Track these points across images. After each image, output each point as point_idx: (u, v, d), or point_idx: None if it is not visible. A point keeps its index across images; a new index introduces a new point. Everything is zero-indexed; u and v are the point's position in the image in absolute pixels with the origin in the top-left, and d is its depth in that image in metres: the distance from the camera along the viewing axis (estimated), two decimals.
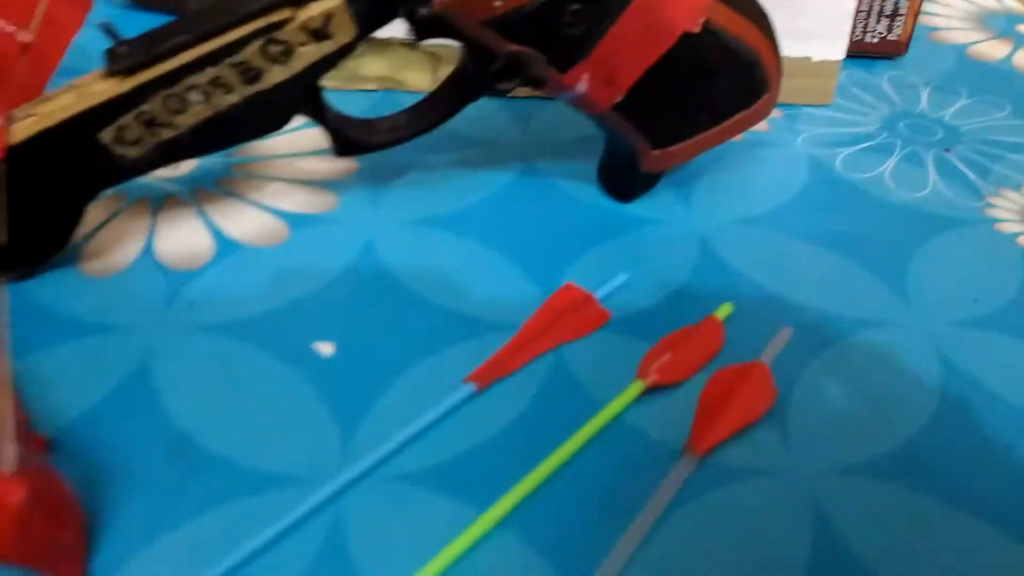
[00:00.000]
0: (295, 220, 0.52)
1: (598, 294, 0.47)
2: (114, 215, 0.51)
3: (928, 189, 0.56)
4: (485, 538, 0.35)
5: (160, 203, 0.53)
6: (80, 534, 0.34)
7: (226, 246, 0.50)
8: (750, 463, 0.38)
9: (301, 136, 0.59)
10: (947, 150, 0.58)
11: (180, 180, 0.55)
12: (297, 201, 0.53)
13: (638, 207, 0.54)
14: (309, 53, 0.42)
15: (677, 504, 0.37)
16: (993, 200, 0.56)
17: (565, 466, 0.38)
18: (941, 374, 0.43)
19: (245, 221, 0.52)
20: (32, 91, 0.51)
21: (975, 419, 0.41)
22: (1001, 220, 0.54)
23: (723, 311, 0.46)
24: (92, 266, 0.48)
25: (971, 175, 0.58)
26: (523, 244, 0.51)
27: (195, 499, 0.36)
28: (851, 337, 0.45)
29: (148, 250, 0.49)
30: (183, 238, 0.50)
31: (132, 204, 0.52)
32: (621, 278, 0.48)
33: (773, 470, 0.38)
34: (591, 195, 0.55)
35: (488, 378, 0.42)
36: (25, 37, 0.51)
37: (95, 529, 0.35)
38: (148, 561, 0.34)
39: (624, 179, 0.54)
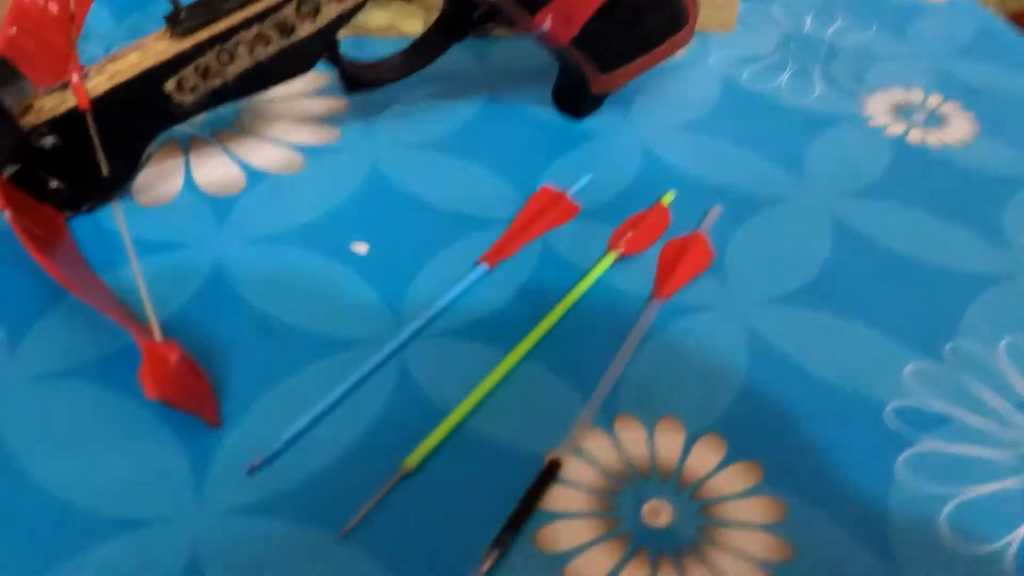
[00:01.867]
0: (307, 151, 0.62)
1: (569, 192, 0.59)
2: (148, 156, 0.60)
3: (815, 95, 0.70)
4: (517, 368, 0.47)
5: (187, 144, 0.62)
6: (210, 388, 0.45)
7: (255, 176, 0.60)
8: (700, 302, 0.51)
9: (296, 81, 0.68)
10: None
11: (198, 124, 0.63)
12: (305, 135, 0.63)
13: (590, 123, 0.66)
14: (331, 11, 0.52)
15: (650, 335, 0.49)
16: (866, 101, 0.70)
17: (566, 315, 0.50)
18: (834, 229, 0.57)
19: (265, 154, 0.61)
20: (64, 51, 0.59)
21: (863, 259, 0.55)
22: (872, 117, 0.68)
23: (668, 197, 0.59)
24: (144, 198, 0.57)
25: (848, 83, 0.72)
26: (501, 158, 0.62)
27: (287, 361, 0.47)
28: (765, 209, 0.59)
29: (189, 183, 0.58)
30: (216, 171, 0.60)
31: (162, 146, 0.61)
32: (586, 178, 0.60)
33: (717, 306, 0.51)
34: (549, 115, 0.66)
35: (495, 259, 0.53)
36: (54, 8, 0.58)
37: (217, 388, 0.45)
38: (264, 407, 0.44)
39: (576, 100, 0.65)
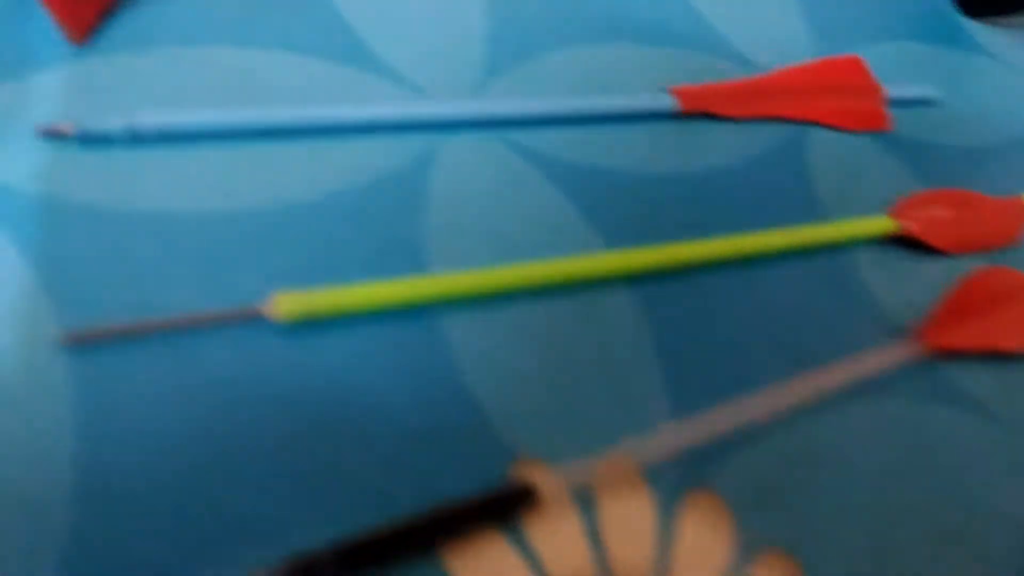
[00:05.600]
0: None
1: (889, 92, 0.33)
2: None
3: None
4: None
5: None
6: None
7: None
8: (977, 393, 0.26)
9: None
10: None
11: None
12: None
13: (984, 30, 0.38)
14: None
15: (879, 389, 0.25)
16: None
17: (771, 262, 0.26)
18: None
19: None
20: None
21: None
22: None
23: None
24: None
25: None
26: None
27: None
28: None
29: None
30: None
31: None
32: (926, 91, 0.34)
33: (997, 419, 0.26)
34: None
35: (699, 103, 0.29)
36: None
37: None
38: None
39: None
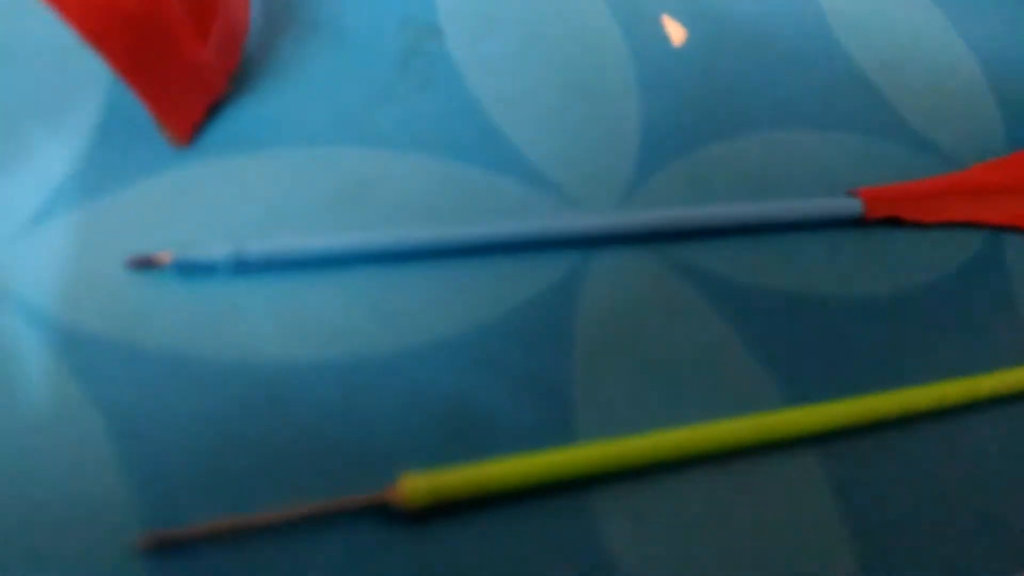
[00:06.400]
0: None
1: None
2: None
3: None
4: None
5: None
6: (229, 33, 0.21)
7: None
8: None
9: None
10: None
11: None
12: None
13: None
14: None
15: None
16: None
17: (974, 409, 0.22)
18: None
19: None
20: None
21: None
22: None
23: None
24: None
25: None
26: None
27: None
28: None
29: None
30: None
31: None
32: None
33: None
34: None
35: (888, 208, 0.25)
36: None
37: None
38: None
39: None
